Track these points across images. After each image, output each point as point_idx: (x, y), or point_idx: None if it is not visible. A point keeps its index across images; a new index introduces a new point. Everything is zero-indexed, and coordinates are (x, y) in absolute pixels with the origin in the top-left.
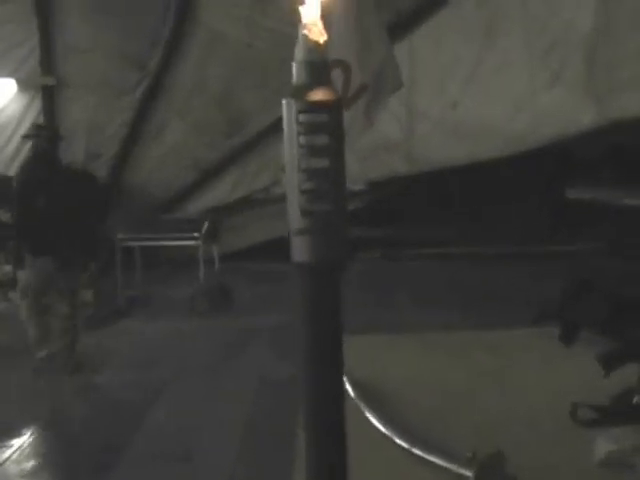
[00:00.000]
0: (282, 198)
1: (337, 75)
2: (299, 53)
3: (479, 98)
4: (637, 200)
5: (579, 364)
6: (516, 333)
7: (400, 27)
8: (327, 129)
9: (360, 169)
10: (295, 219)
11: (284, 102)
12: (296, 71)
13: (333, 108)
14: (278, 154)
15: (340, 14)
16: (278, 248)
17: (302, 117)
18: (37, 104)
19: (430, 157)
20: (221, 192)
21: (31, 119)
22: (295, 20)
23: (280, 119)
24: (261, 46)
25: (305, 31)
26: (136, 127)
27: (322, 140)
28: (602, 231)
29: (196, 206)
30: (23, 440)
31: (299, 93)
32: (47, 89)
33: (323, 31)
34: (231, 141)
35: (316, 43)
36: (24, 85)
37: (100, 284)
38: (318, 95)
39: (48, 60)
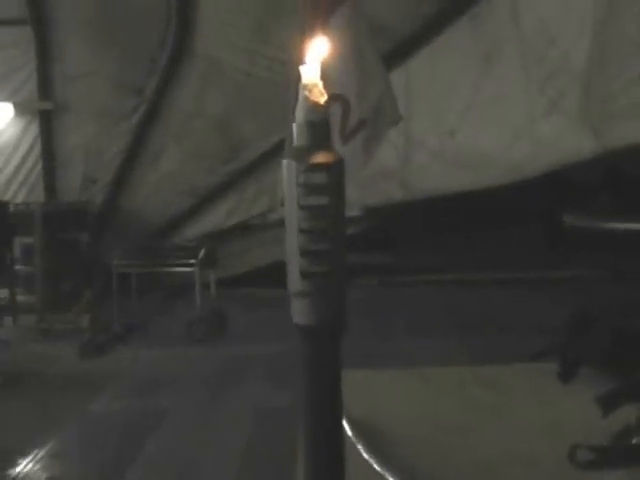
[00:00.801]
0: (279, 224)
1: (336, 110)
2: (300, 114)
3: (477, 126)
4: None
5: (578, 402)
6: (515, 368)
7: (396, 55)
8: (328, 191)
9: (358, 196)
10: (295, 281)
11: (284, 163)
12: (297, 132)
13: (334, 170)
14: (275, 180)
15: (338, 50)
16: (274, 274)
17: (303, 179)
18: (34, 129)
19: (427, 185)
20: (218, 218)
21: (28, 144)
22: (294, 48)
23: (277, 145)
24: (260, 74)
25: (306, 92)
26: (133, 152)
27: (323, 202)
28: (602, 257)
29: (192, 231)
30: (17, 469)
31: (300, 155)
32: (44, 114)
33: (324, 92)
34: (228, 167)
35: (317, 104)
36: (21, 109)
37: (97, 310)
38: (319, 158)
39: (45, 85)
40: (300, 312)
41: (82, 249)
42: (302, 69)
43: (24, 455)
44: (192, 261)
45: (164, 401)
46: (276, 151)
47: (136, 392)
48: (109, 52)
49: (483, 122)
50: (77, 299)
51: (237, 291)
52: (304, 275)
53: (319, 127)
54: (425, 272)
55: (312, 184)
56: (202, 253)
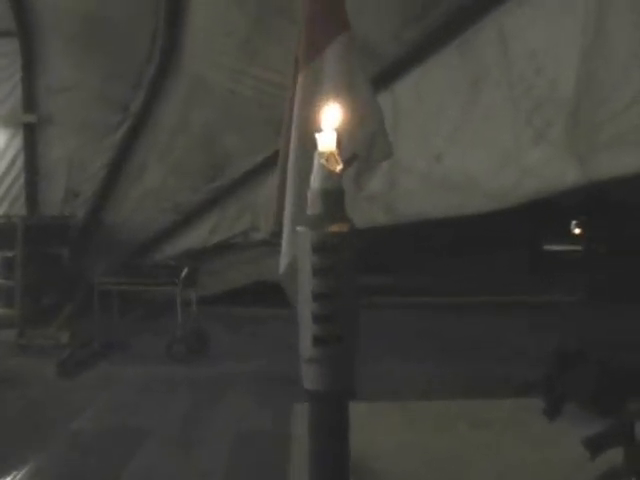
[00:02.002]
0: (261, 243)
1: None
2: (315, 182)
3: (464, 152)
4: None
5: (565, 440)
6: (502, 404)
7: (383, 78)
8: (341, 258)
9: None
10: (307, 348)
11: (299, 230)
12: (311, 200)
13: (348, 238)
14: (258, 199)
15: (332, 84)
16: (256, 293)
17: (317, 246)
18: (18, 141)
19: (413, 209)
20: (200, 235)
21: (11, 156)
22: (279, 69)
23: (261, 164)
24: (245, 93)
25: (322, 160)
26: (116, 167)
27: (336, 268)
28: (580, 280)
29: (175, 248)
30: None
31: (314, 223)
32: (28, 127)
33: (339, 160)
34: (211, 184)
35: (332, 172)
36: (5, 122)
37: (77, 327)
38: (334, 226)
39: (30, 98)
40: (311, 378)
41: (63, 263)
42: (318, 137)
43: (2, 476)
44: (174, 280)
45: (143, 421)
46: (260, 169)
47: (116, 411)
48: (95, 66)
49: (470, 148)
50: (57, 314)
51: (219, 309)
52: (317, 340)
53: (334, 195)
54: (412, 294)
55: (326, 252)
56: (184, 272)
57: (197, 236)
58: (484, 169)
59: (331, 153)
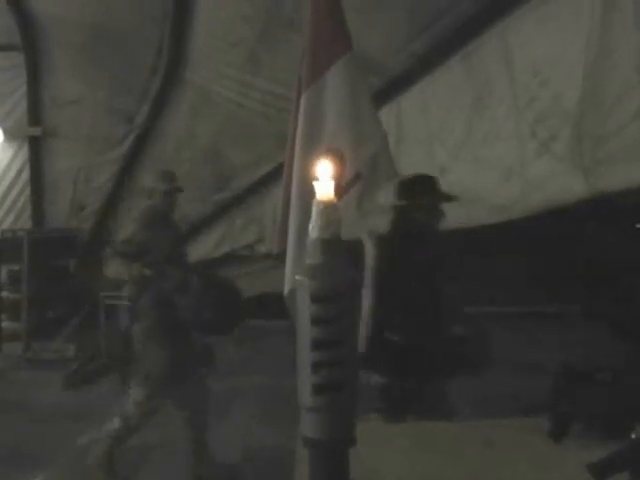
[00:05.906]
0: (266, 256)
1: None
2: (314, 231)
3: (468, 165)
4: None
5: (570, 464)
6: (509, 425)
7: (388, 91)
8: (341, 308)
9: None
10: (306, 396)
11: (297, 279)
12: (310, 249)
13: (348, 286)
14: (264, 211)
15: (335, 105)
16: (261, 306)
17: (316, 297)
18: (23, 154)
19: None
20: (206, 247)
21: (17, 169)
22: (285, 81)
23: (267, 176)
24: (251, 105)
25: (320, 209)
26: (122, 180)
27: (335, 316)
28: (584, 292)
29: None
30: None
31: (314, 273)
32: (33, 140)
33: (338, 209)
34: (218, 197)
35: (331, 220)
36: (10, 135)
37: (83, 340)
38: (333, 275)
39: (35, 111)
40: (311, 426)
41: (69, 277)
42: (317, 185)
43: None
44: None
45: (149, 438)
46: (266, 181)
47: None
48: (100, 78)
49: (474, 162)
50: (63, 328)
51: None
52: (317, 390)
53: (332, 245)
54: None
55: (325, 301)
56: None
57: (203, 248)
58: (488, 182)
59: (329, 201)
